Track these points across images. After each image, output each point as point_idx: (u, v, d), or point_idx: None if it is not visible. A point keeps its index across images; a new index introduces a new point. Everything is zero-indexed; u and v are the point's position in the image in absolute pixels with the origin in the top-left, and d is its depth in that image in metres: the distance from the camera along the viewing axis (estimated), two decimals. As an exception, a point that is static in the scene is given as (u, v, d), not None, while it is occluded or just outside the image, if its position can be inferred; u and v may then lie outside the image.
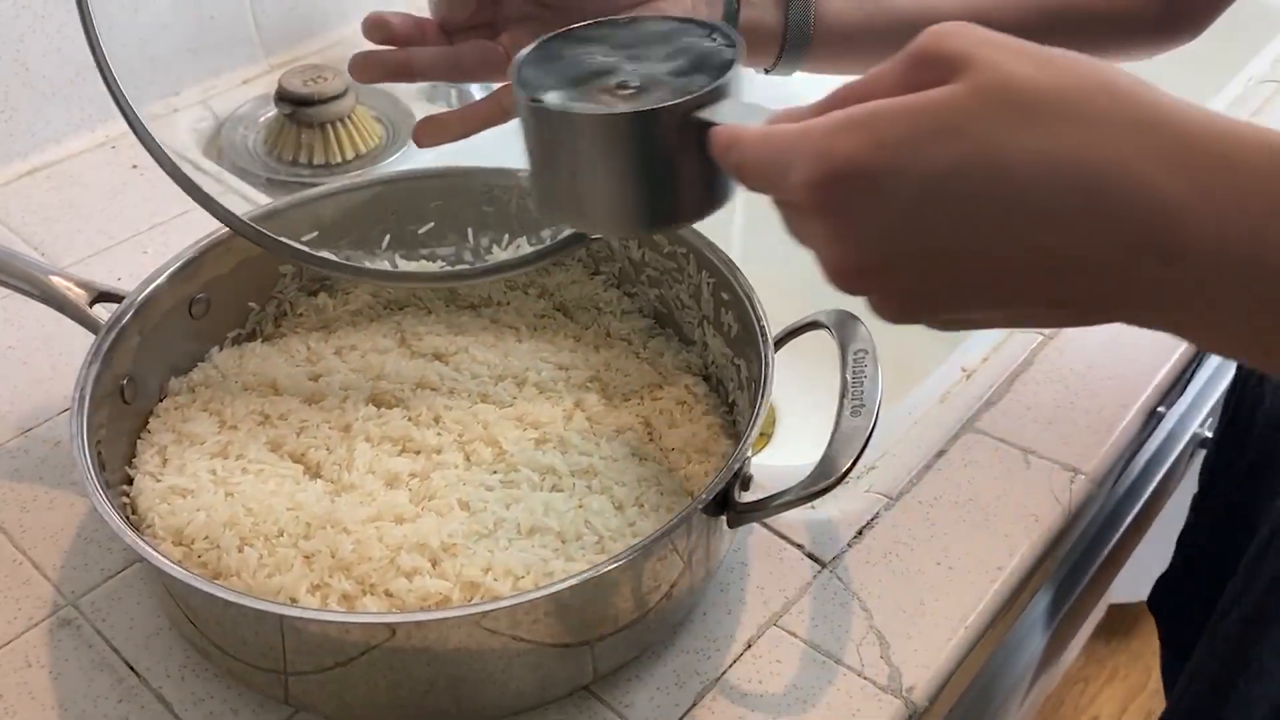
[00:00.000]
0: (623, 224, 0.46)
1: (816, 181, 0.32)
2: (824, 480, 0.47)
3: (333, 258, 0.57)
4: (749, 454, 0.51)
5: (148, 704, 0.50)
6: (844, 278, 0.34)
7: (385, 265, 0.65)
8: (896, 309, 0.34)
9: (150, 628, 0.53)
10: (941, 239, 0.31)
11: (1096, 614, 1.06)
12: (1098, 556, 0.77)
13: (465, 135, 0.58)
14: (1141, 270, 0.30)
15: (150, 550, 0.46)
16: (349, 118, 0.89)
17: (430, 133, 0.57)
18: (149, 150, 0.50)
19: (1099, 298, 0.31)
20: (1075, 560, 0.70)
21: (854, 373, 0.51)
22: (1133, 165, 0.29)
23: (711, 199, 0.44)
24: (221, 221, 0.53)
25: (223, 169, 0.86)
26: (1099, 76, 0.30)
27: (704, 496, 0.47)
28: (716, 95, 0.41)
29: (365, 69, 0.56)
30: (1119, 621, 1.46)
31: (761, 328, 0.55)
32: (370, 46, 0.56)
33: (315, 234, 0.63)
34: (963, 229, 0.31)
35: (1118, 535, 0.77)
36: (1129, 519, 0.77)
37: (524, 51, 0.45)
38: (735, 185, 0.44)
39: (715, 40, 0.44)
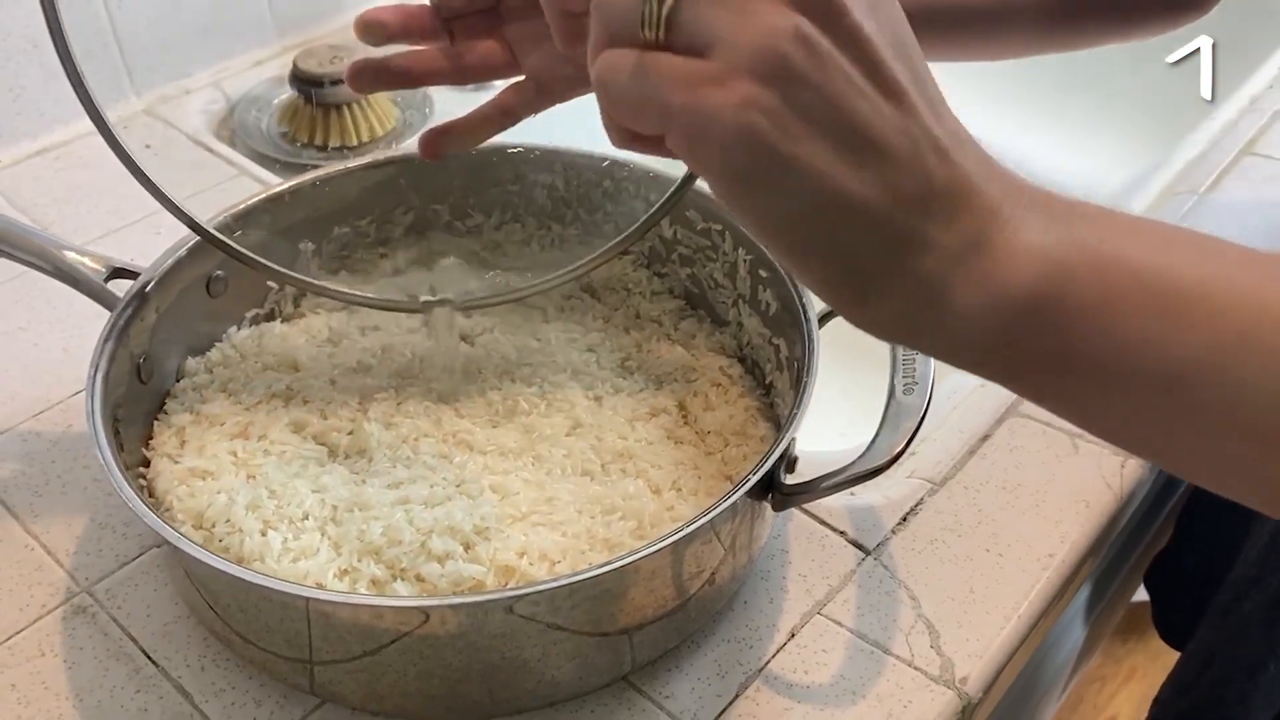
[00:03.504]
0: None
1: None
2: (878, 460, 0.45)
3: (308, 279, 0.56)
4: (795, 434, 0.49)
5: (166, 694, 0.48)
6: None
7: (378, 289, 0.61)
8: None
9: (168, 615, 0.51)
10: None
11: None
12: (1139, 544, 0.75)
13: (475, 145, 0.55)
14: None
15: (174, 532, 0.44)
16: (365, 99, 0.87)
17: (437, 144, 0.54)
18: (114, 150, 0.50)
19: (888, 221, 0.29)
20: (1118, 548, 0.68)
21: (906, 348, 0.49)
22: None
23: None
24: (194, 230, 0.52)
25: (235, 151, 0.84)
26: None
27: (751, 477, 0.45)
28: None
29: (363, 79, 0.53)
30: (1136, 620, 1.43)
31: (804, 304, 0.53)
32: (367, 52, 0.53)
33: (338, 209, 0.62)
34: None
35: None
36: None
37: None
38: None
39: None
